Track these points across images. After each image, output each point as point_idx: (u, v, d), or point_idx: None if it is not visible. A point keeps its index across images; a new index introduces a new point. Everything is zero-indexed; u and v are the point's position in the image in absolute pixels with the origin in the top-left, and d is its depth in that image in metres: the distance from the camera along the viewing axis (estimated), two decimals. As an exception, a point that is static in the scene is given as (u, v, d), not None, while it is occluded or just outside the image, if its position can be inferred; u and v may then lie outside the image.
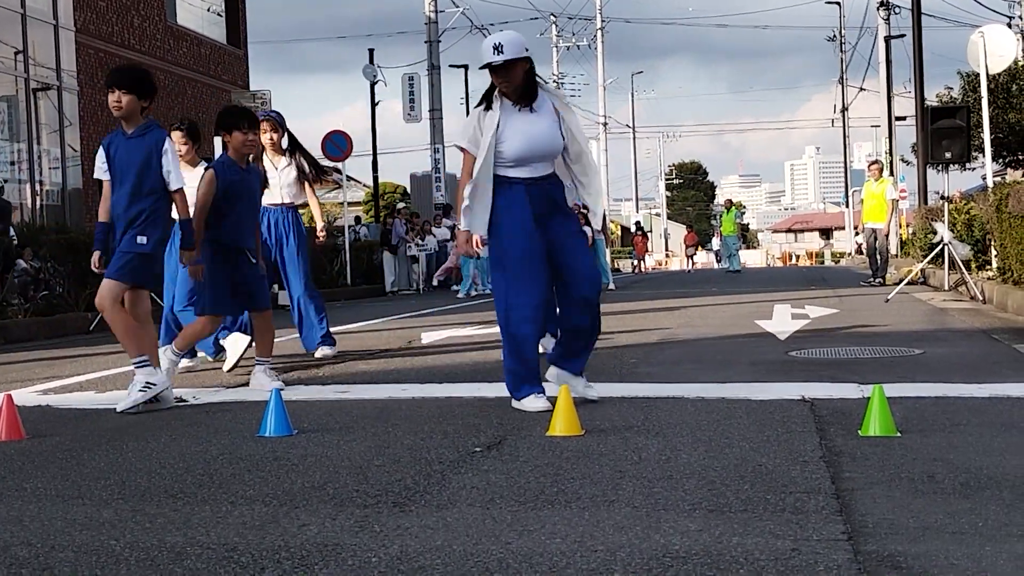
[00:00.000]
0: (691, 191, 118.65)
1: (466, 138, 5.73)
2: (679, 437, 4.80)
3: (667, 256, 71.04)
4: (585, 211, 6.22)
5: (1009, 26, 22.78)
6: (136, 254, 6.12)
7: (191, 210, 6.61)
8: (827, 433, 4.78)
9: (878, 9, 39.71)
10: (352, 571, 2.96)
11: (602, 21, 58.06)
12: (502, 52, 5.53)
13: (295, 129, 9.25)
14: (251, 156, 7.34)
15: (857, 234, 19.44)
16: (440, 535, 3.28)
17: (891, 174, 32.15)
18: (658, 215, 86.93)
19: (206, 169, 8.92)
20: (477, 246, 5.70)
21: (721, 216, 35.90)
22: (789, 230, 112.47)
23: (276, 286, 9.40)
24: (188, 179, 8.25)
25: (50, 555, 3.20)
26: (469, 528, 3.35)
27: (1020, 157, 27.33)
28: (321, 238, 10.16)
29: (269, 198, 8.50)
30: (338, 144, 25.85)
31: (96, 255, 6.25)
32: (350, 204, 30.47)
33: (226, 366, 7.89)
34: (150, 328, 6.31)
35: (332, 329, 9.17)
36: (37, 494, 4.05)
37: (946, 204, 15.59)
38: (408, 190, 44.15)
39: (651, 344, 9.24)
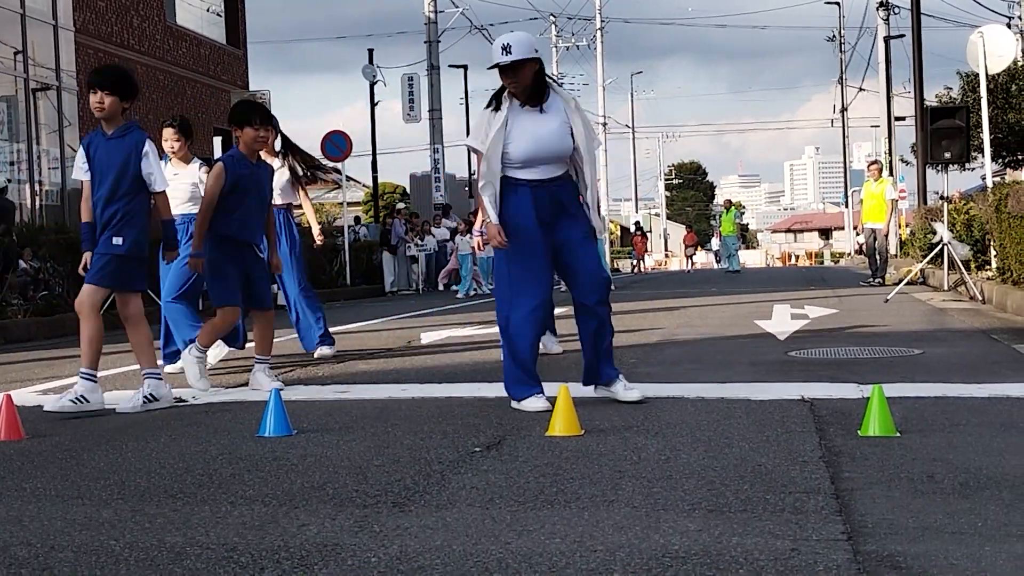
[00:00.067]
0: (690, 191, 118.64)
1: (477, 139, 5.73)
2: (679, 437, 4.80)
3: (666, 256, 71.05)
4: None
5: (1008, 26, 22.80)
6: (112, 256, 6.08)
7: (200, 210, 6.61)
8: (826, 433, 4.79)
9: (877, 9, 39.74)
10: (352, 571, 2.96)
11: (601, 21, 58.05)
12: (510, 52, 5.54)
13: (295, 129, 9.35)
14: (261, 151, 7.33)
15: (858, 234, 19.42)
16: (440, 535, 3.28)
17: (891, 174, 32.14)
18: (657, 215, 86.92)
19: (215, 162, 8.95)
20: (501, 234, 5.65)
21: (720, 216, 35.90)
22: (788, 230, 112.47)
23: (275, 286, 9.40)
24: (182, 175, 8.28)
25: (50, 555, 3.20)
26: (468, 528, 3.35)
27: (1019, 157, 27.34)
28: (319, 242, 10.17)
29: None
30: (337, 144, 25.84)
31: (87, 257, 6.19)
32: (349, 204, 30.45)
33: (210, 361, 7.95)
34: (143, 327, 6.27)
35: (332, 329, 9.17)
36: (37, 494, 4.05)
37: (945, 204, 15.58)
38: (408, 190, 44.20)
39: (650, 344, 9.24)
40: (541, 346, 6.61)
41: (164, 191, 6.27)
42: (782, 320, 11.36)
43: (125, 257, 6.11)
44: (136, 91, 6.26)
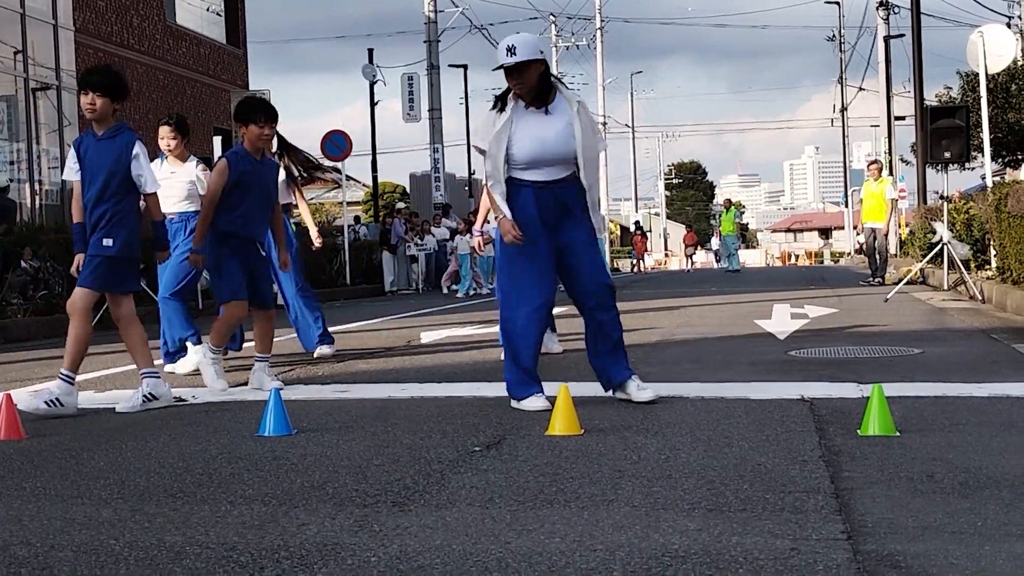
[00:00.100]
0: (690, 191, 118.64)
1: (485, 140, 5.74)
2: (678, 436, 4.80)
3: (666, 256, 71.04)
4: None
5: (1008, 26, 22.79)
6: (104, 258, 6.06)
7: (203, 205, 6.59)
8: (826, 433, 4.79)
9: (877, 9, 39.74)
10: (351, 570, 2.96)
11: (601, 21, 58.06)
12: (515, 54, 5.54)
13: (295, 129, 9.38)
14: (266, 149, 7.31)
15: (858, 233, 19.41)
16: (439, 534, 3.28)
17: (890, 174, 32.15)
18: (657, 215, 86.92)
19: (219, 159, 8.96)
20: (515, 229, 5.63)
21: (720, 216, 35.89)
22: (788, 230, 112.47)
23: (274, 285, 9.41)
24: (179, 174, 8.27)
25: (49, 554, 3.20)
26: (468, 527, 3.35)
27: (1019, 156, 27.35)
28: (318, 244, 10.15)
29: None
30: (337, 144, 25.84)
31: (79, 258, 6.16)
32: (349, 204, 30.47)
33: (181, 369, 7.94)
34: (136, 328, 6.25)
35: (332, 329, 9.17)
36: (36, 493, 4.05)
37: (945, 204, 15.58)
38: (407, 190, 44.19)
39: (650, 344, 9.24)
40: (542, 345, 6.61)
41: (155, 193, 6.25)
42: (782, 320, 11.36)
43: (116, 258, 6.10)
44: (127, 92, 6.26)
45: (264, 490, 3.96)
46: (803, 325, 10.62)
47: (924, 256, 16.83)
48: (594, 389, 6.22)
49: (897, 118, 37.29)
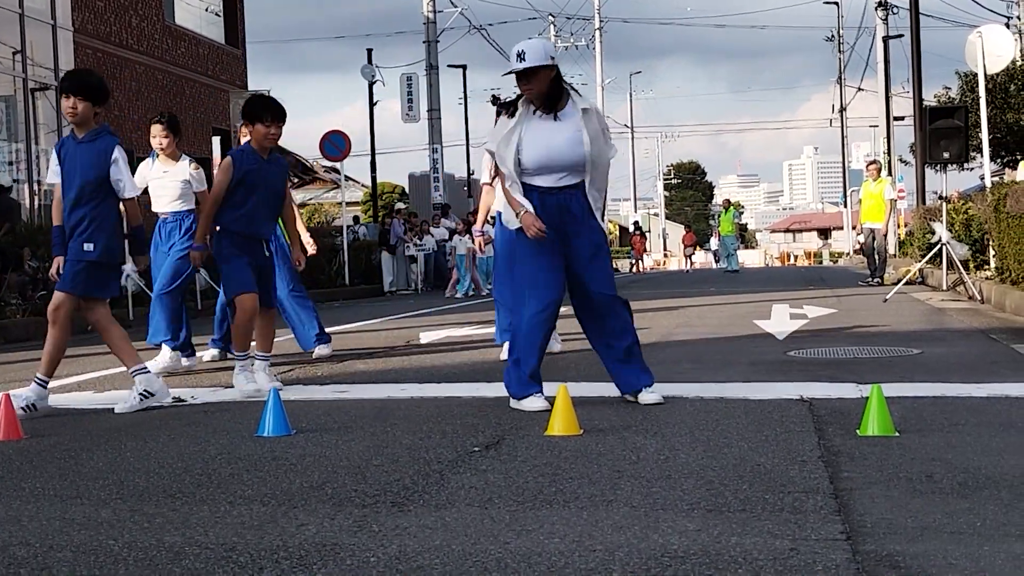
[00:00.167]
0: (689, 191, 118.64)
1: (495, 144, 5.77)
2: (677, 437, 4.80)
3: (665, 256, 71.01)
4: None
5: (1007, 26, 22.81)
6: (86, 263, 6.04)
7: (207, 203, 6.52)
8: (825, 433, 4.79)
9: (876, 9, 39.76)
10: (350, 571, 2.96)
11: (600, 21, 58.09)
12: (524, 59, 5.55)
13: (294, 129, 9.39)
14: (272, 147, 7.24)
15: (858, 234, 19.40)
16: (438, 535, 3.28)
17: (889, 174, 32.16)
18: (656, 215, 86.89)
19: (224, 157, 8.95)
20: (538, 221, 5.61)
21: (719, 216, 35.91)
22: (787, 230, 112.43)
23: None
24: (172, 173, 8.27)
25: (48, 555, 3.19)
26: (467, 528, 3.35)
27: (1018, 157, 27.34)
28: (312, 251, 10.03)
29: None
30: (336, 144, 25.84)
31: (59, 261, 6.13)
32: (348, 204, 30.46)
33: (154, 366, 7.92)
34: (115, 329, 6.23)
35: (331, 329, 9.18)
36: (35, 494, 4.05)
37: (944, 204, 15.59)
38: (406, 190, 44.17)
39: (649, 344, 9.23)
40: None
41: (133, 198, 6.21)
42: (781, 320, 11.36)
43: (97, 263, 6.08)
44: (107, 96, 6.24)
45: (263, 490, 3.96)
46: (802, 325, 10.62)
47: (923, 256, 16.83)
48: (593, 389, 6.23)
49: (896, 118, 37.31)
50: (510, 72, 5.61)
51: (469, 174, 39.78)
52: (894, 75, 44.69)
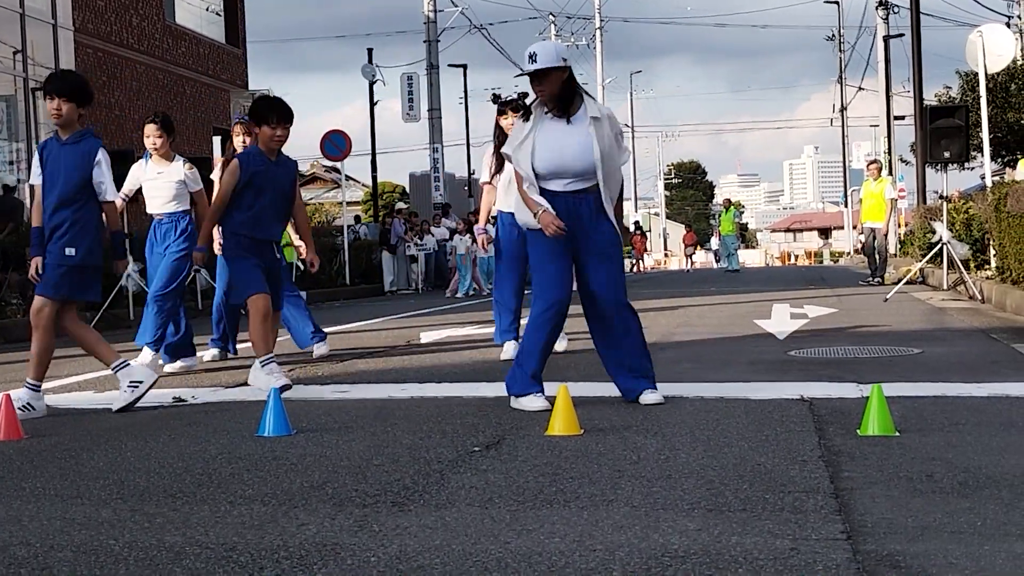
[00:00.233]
0: (690, 190, 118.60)
1: (511, 147, 5.79)
2: (678, 436, 4.80)
3: (666, 256, 71.00)
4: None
5: (1008, 25, 22.79)
6: (67, 267, 6.02)
7: (213, 205, 6.46)
8: (826, 432, 4.79)
9: (877, 8, 39.74)
10: (351, 570, 2.96)
11: (600, 20, 58.08)
12: (536, 61, 5.56)
13: (294, 128, 9.23)
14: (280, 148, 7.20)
15: (861, 233, 19.38)
16: (439, 535, 3.28)
17: (890, 173, 32.17)
18: (657, 215, 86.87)
19: (231, 159, 8.94)
20: (557, 219, 5.61)
21: (720, 216, 35.89)
22: (788, 229, 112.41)
23: None
24: (166, 174, 8.25)
25: (49, 555, 3.19)
26: (468, 528, 3.35)
27: (1018, 156, 27.33)
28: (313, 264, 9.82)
29: None
30: (337, 144, 25.84)
31: (37, 261, 6.10)
32: (349, 203, 30.47)
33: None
34: (84, 329, 6.23)
35: (332, 329, 9.18)
36: (36, 494, 4.05)
37: (945, 203, 15.58)
38: (407, 190, 44.17)
39: (649, 343, 9.18)
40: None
41: (113, 201, 6.19)
42: (781, 319, 11.36)
43: (79, 267, 6.06)
44: (91, 98, 6.22)
45: (264, 490, 3.96)
46: (803, 325, 10.62)
47: (924, 256, 16.83)
48: (594, 389, 6.23)
49: (896, 118, 37.29)
50: (522, 74, 5.63)
51: (470, 174, 39.76)
52: (895, 74, 44.69)
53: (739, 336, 9.80)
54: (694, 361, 7.89)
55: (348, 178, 36.99)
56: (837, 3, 56.43)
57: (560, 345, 8.41)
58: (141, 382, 6.17)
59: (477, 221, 9.21)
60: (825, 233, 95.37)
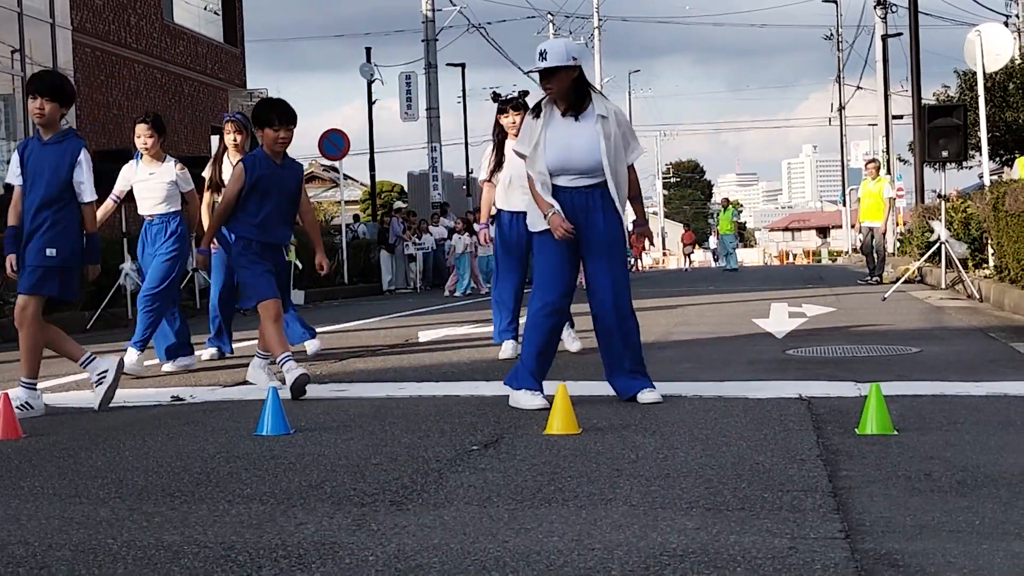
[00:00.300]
0: (688, 190, 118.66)
1: (522, 145, 5.82)
2: (676, 436, 4.80)
3: (664, 255, 71.04)
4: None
5: (1006, 25, 22.81)
6: (47, 268, 5.99)
7: (218, 210, 6.44)
8: (824, 431, 4.79)
9: (875, 7, 39.74)
10: (349, 569, 2.96)
11: (599, 19, 58.03)
12: (545, 59, 5.59)
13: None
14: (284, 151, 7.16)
15: (860, 232, 19.39)
16: (437, 533, 3.28)
17: (888, 172, 32.17)
18: (655, 214, 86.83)
19: (222, 156, 8.93)
20: (566, 222, 5.62)
21: (718, 215, 35.95)
22: (786, 228, 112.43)
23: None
24: (157, 174, 8.24)
25: (47, 554, 3.19)
26: (466, 526, 3.35)
27: (1016, 155, 27.35)
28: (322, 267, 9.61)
29: None
30: (335, 143, 25.84)
31: (11, 259, 6.08)
32: (347, 203, 30.46)
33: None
34: (50, 329, 6.21)
35: (330, 328, 9.18)
36: (34, 493, 4.05)
37: (943, 202, 15.59)
38: (405, 189, 44.17)
39: (648, 343, 9.21)
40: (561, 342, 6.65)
41: (91, 203, 6.14)
42: (780, 319, 11.37)
43: (59, 268, 6.03)
44: (74, 98, 6.21)
45: (262, 489, 3.96)
46: (801, 324, 10.62)
47: (922, 255, 16.84)
48: (592, 388, 6.24)
49: (895, 117, 37.31)
50: (532, 71, 5.66)
51: (468, 173, 39.77)
52: (893, 74, 44.75)
53: (737, 335, 9.80)
54: (692, 360, 7.89)
55: (346, 177, 36.95)
56: (835, 2, 56.44)
57: (574, 346, 8.40)
58: (107, 371, 6.16)
59: (477, 220, 9.22)
60: (823, 232, 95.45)
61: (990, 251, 14.73)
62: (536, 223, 5.77)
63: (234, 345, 9.12)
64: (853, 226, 36.71)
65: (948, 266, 14.86)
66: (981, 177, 19.00)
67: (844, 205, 58.02)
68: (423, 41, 34.76)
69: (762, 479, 3.88)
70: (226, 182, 8.60)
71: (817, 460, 4.18)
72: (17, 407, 5.86)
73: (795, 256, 77.78)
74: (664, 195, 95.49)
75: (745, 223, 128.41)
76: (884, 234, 19.35)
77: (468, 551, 3.09)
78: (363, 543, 3.20)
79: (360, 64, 34.14)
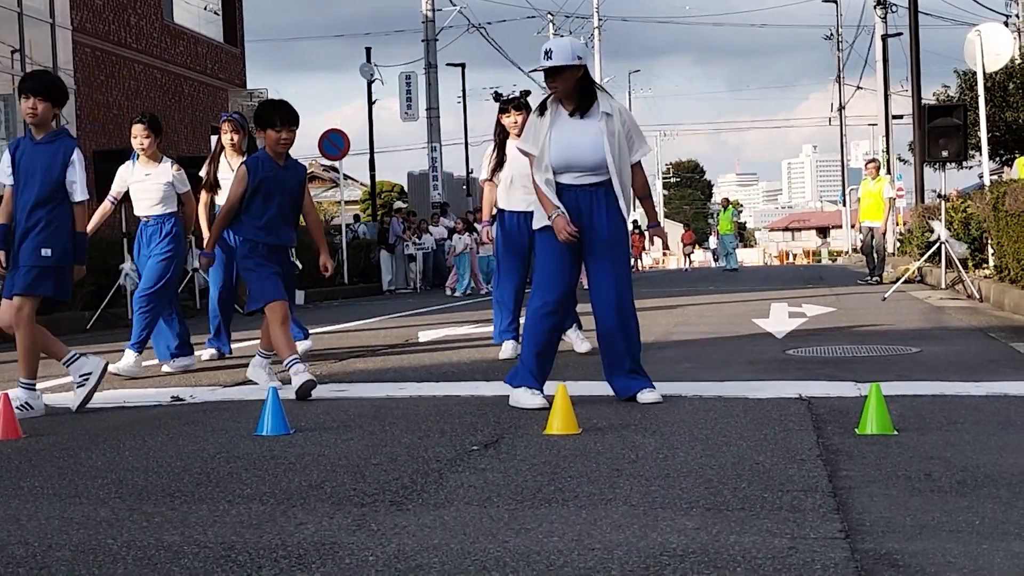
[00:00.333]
0: (688, 190, 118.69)
1: (527, 143, 5.82)
2: (676, 436, 4.80)
3: (664, 255, 71.03)
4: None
5: (1006, 24, 22.81)
6: (42, 268, 5.98)
7: (221, 212, 6.44)
8: (824, 431, 4.79)
9: (875, 7, 39.74)
10: (349, 570, 2.96)
11: (599, 19, 58.04)
12: (550, 58, 5.60)
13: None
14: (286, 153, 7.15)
15: (860, 232, 19.42)
16: (437, 534, 3.28)
17: (888, 172, 32.17)
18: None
19: (219, 156, 8.93)
20: (569, 225, 5.63)
21: (718, 215, 35.96)
22: (786, 228, 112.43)
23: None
24: (154, 175, 8.24)
25: (47, 554, 3.19)
26: (466, 527, 3.35)
27: (1016, 155, 27.35)
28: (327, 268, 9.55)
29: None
30: (335, 143, 25.84)
31: (1, 256, 6.06)
32: (347, 203, 30.46)
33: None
34: (36, 329, 6.23)
35: (329, 328, 9.17)
36: (34, 493, 4.04)
37: (943, 202, 15.59)
38: (405, 189, 44.17)
39: (648, 343, 9.22)
40: (566, 340, 6.55)
41: (83, 203, 6.13)
42: (780, 319, 11.36)
43: (54, 268, 6.03)
44: (66, 98, 6.21)
45: (262, 489, 3.96)
46: (801, 324, 10.62)
47: (922, 255, 16.84)
48: (592, 388, 6.24)
49: (895, 117, 37.33)
50: (536, 69, 5.67)
51: (468, 173, 39.77)
52: (893, 73, 44.76)
53: (737, 335, 9.80)
54: (693, 360, 7.89)
55: (346, 177, 36.96)
56: (835, 2, 56.45)
57: (583, 347, 8.39)
58: (90, 373, 6.16)
59: (477, 220, 9.24)
60: (823, 232, 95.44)
61: (990, 251, 14.72)
62: (540, 219, 5.78)
63: (234, 345, 9.12)
64: (853, 226, 36.74)
65: (948, 266, 14.86)
66: (981, 177, 19.01)
67: (844, 205, 58.04)
68: (423, 41, 34.77)
69: (762, 479, 3.88)
70: (221, 181, 8.63)
71: (817, 460, 4.18)
72: (17, 407, 5.86)
73: (795, 256, 77.78)
74: (664, 195, 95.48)
75: (745, 223, 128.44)
76: (884, 234, 19.35)
77: (468, 551, 3.09)
78: (363, 543, 3.20)
79: (360, 64, 34.15)
